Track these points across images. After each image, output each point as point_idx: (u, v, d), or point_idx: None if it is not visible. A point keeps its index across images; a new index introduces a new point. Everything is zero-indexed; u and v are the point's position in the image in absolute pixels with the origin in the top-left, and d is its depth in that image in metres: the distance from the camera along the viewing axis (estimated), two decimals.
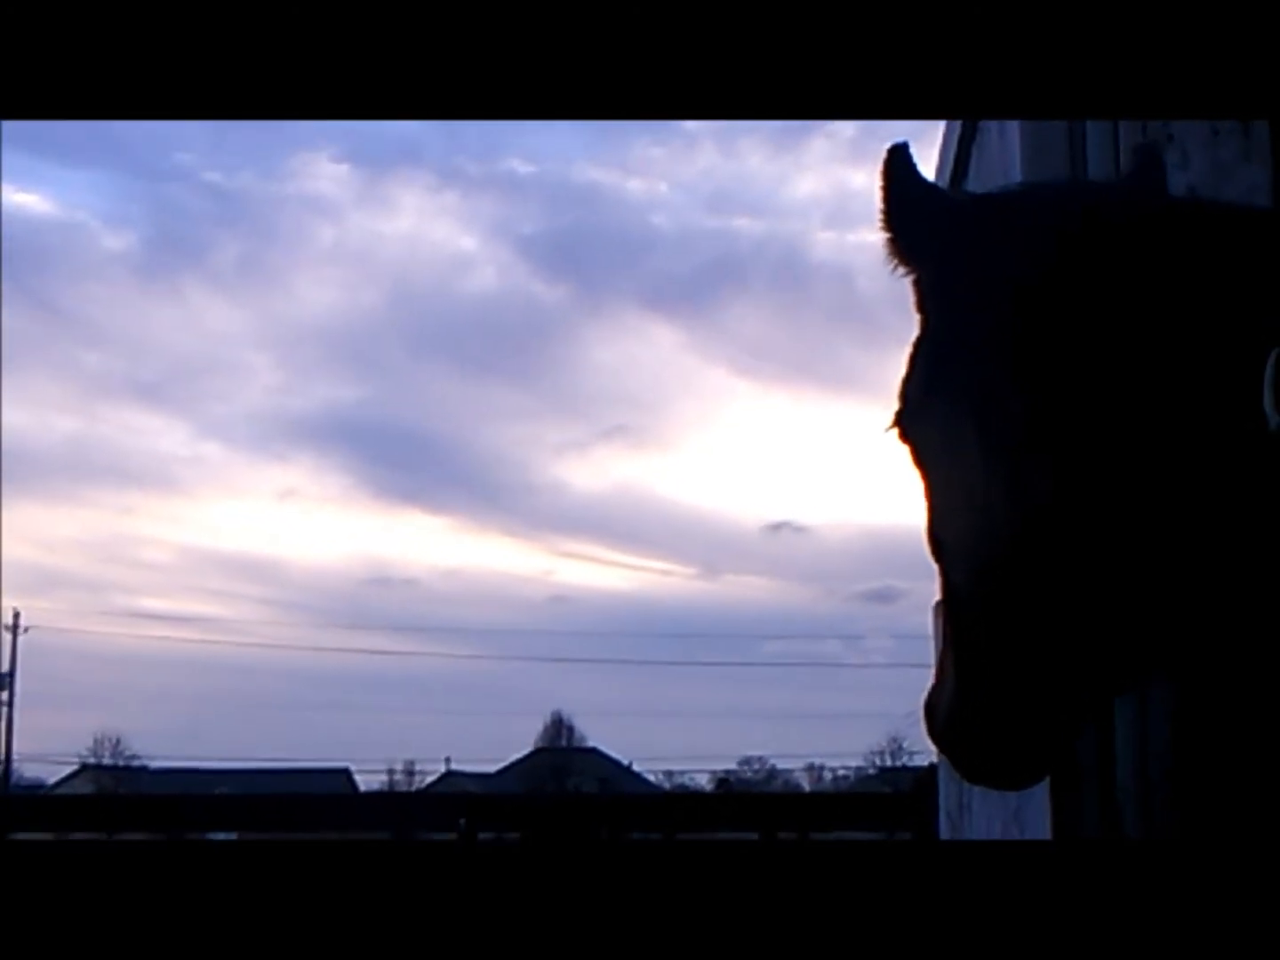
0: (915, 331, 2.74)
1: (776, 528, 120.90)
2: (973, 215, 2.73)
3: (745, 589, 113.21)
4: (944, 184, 5.13)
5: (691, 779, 70.68)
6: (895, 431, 2.75)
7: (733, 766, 74.92)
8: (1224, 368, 2.12)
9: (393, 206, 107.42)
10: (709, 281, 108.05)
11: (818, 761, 78.57)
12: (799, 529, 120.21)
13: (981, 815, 5.11)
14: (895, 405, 2.75)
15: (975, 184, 4.76)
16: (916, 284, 2.73)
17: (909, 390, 2.72)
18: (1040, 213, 2.62)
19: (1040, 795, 3.63)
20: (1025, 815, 4.00)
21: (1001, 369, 2.49)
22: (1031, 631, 2.52)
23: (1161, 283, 2.40)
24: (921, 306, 2.72)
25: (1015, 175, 3.76)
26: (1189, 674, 2.74)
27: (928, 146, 5.77)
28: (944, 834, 7.54)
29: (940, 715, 2.78)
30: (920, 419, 2.69)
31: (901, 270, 2.74)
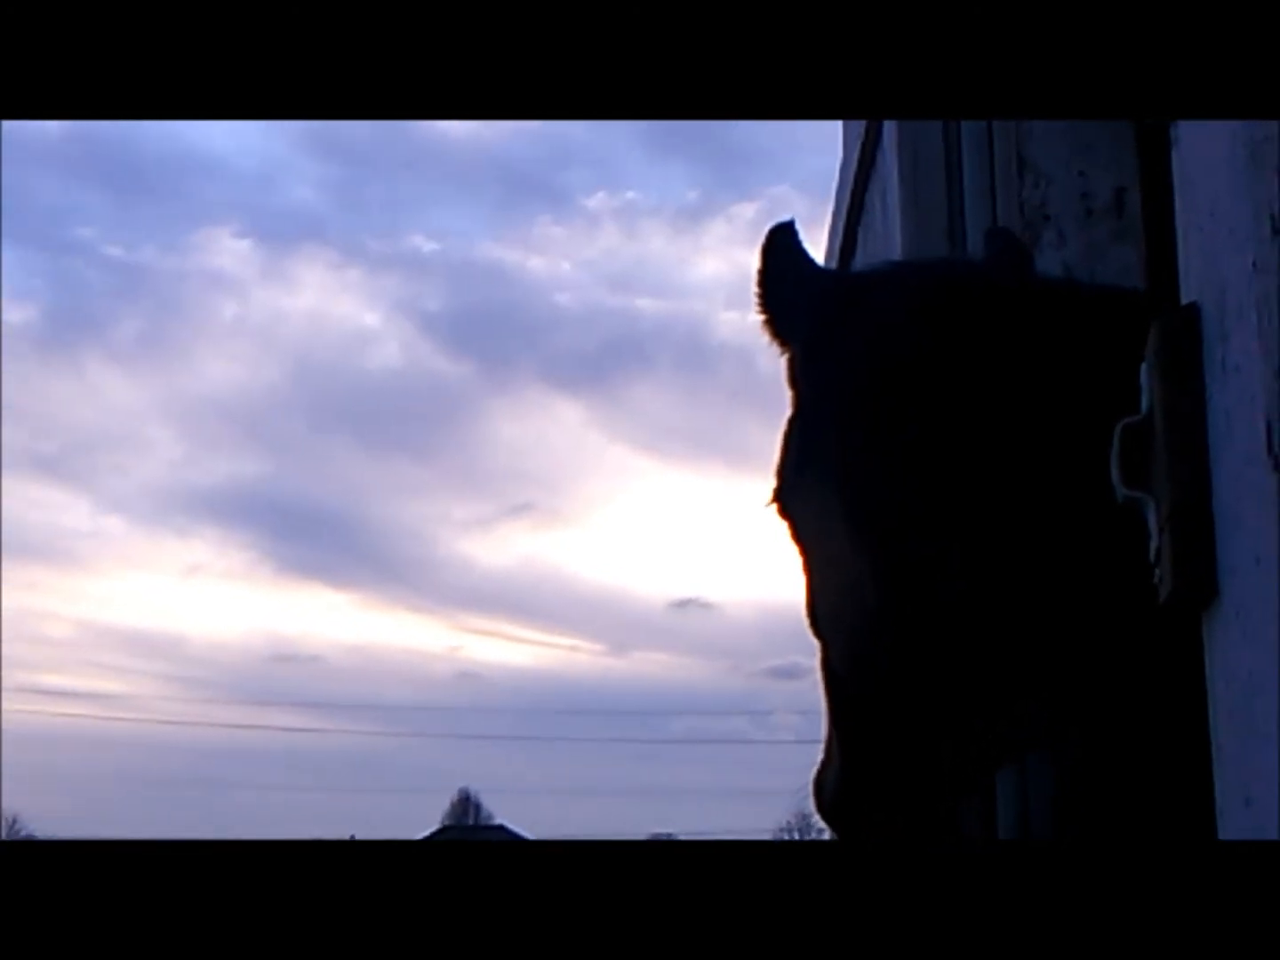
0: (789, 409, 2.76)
1: (683, 604, 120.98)
2: (839, 293, 2.74)
3: (652, 665, 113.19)
4: (834, 264, 5.20)
5: None
6: (774, 508, 2.76)
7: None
8: (1077, 442, 2.16)
9: (295, 283, 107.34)
10: (612, 360, 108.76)
11: (727, 838, 78.17)
12: (705, 605, 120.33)
13: None
14: (773, 482, 2.76)
15: (863, 262, 4.83)
16: (790, 361, 2.73)
17: (783, 467, 2.74)
18: (903, 290, 2.64)
19: None
20: None
21: (864, 446, 2.51)
22: (906, 707, 2.53)
23: (1019, 360, 2.43)
24: (793, 383, 2.73)
25: (897, 253, 3.83)
26: (1064, 743, 2.76)
27: (819, 228, 5.86)
28: None
29: (827, 791, 2.79)
30: (794, 496, 2.69)
31: (778, 349, 2.76)
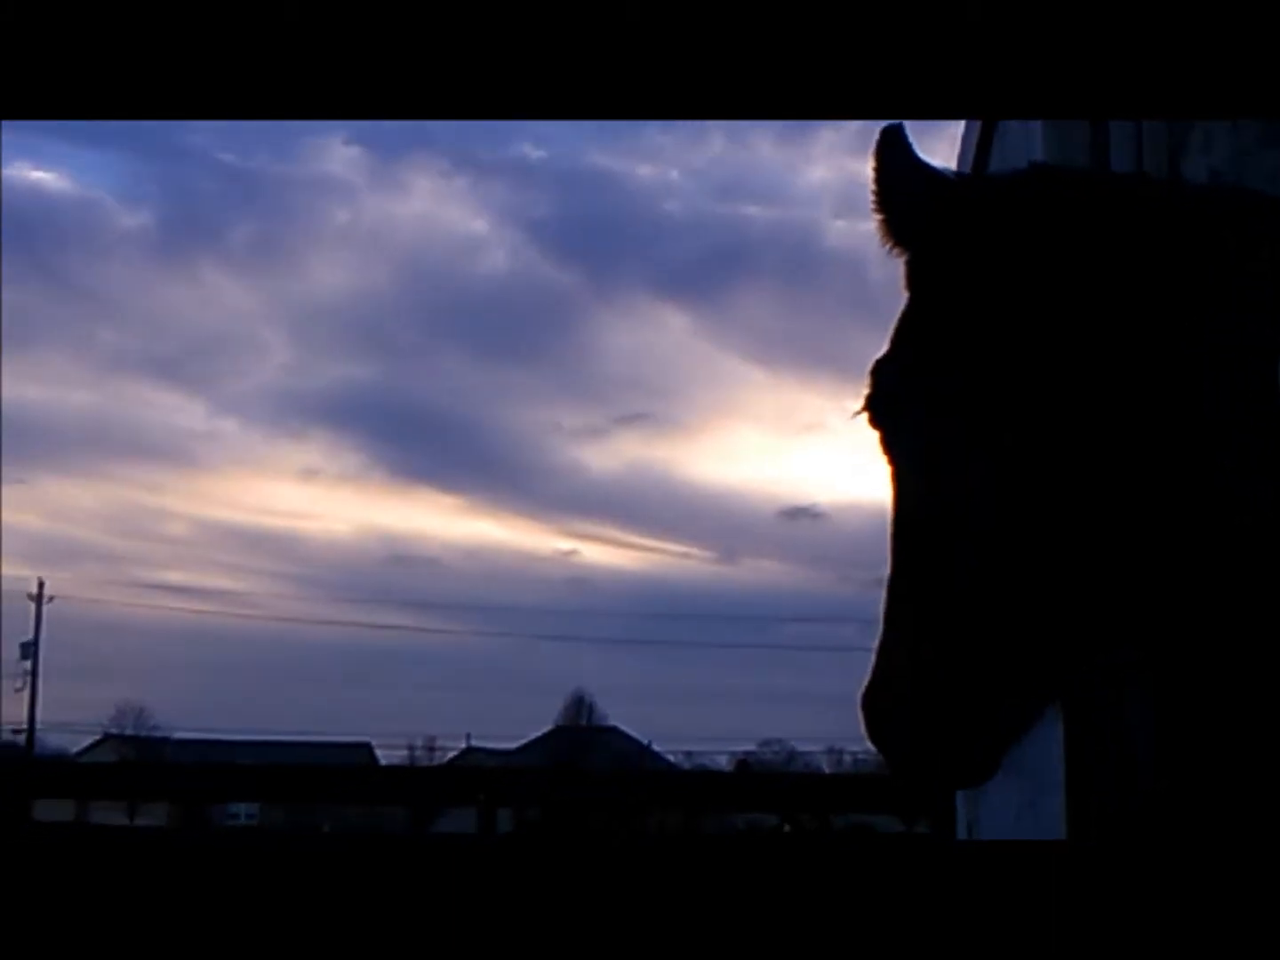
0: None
1: (793, 513, 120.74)
2: (960, 196, 2.67)
3: (763, 573, 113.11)
4: (965, 170, 5.14)
5: (711, 760, 70.58)
6: (865, 416, 2.64)
7: (753, 748, 74.95)
8: (1211, 359, 2.13)
9: (405, 190, 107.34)
10: (721, 268, 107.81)
11: (838, 745, 78.41)
12: (816, 515, 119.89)
13: (997, 795, 5.13)
14: (866, 389, 2.64)
15: (997, 169, 4.76)
16: (907, 264, 2.66)
17: (883, 375, 2.63)
18: (1026, 199, 2.59)
19: (1056, 774, 3.67)
20: (1040, 802, 4.03)
21: (981, 357, 2.48)
22: (1002, 621, 2.46)
23: (1158, 277, 2.39)
24: (909, 287, 2.65)
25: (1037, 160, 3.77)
26: (1166, 661, 2.68)
27: (932, 137, 5.78)
28: (961, 815, 7.57)
29: (887, 709, 2.59)
30: (895, 404, 2.60)
31: (894, 251, 2.68)
